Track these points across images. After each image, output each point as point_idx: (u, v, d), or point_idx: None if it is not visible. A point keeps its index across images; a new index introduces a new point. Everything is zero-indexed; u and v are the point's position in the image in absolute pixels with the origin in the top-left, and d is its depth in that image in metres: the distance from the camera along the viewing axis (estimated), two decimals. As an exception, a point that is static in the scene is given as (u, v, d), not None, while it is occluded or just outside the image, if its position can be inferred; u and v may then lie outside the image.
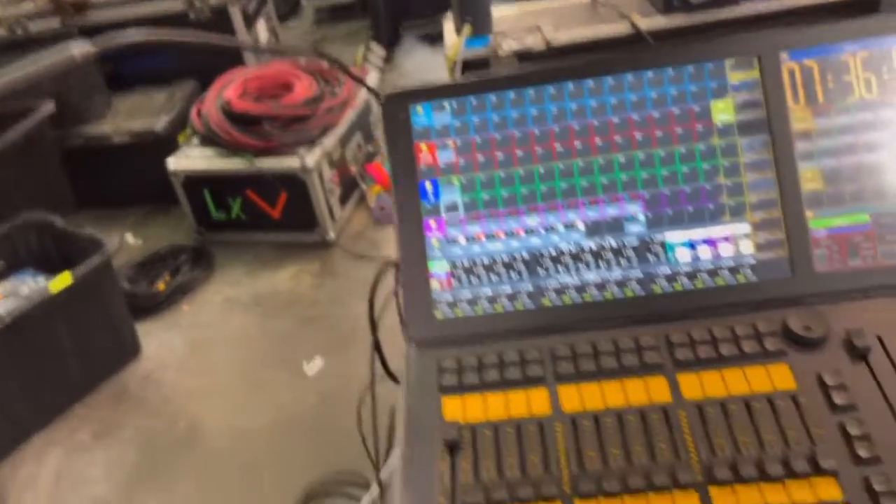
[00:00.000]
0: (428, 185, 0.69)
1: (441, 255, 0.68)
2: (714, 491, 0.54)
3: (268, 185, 2.30)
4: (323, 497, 1.54)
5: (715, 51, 0.68)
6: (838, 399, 0.57)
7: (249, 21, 3.02)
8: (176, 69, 2.90)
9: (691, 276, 0.67)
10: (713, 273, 0.66)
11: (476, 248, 0.68)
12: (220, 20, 2.87)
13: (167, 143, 2.58)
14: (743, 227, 0.67)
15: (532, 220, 0.68)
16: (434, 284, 0.68)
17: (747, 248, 0.66)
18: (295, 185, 2.26)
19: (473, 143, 0.69)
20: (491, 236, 0.68)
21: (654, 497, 0.54)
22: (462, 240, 0.69)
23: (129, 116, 2.77)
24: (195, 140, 2.46)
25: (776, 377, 0.60)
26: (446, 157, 0.69)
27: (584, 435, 0.59)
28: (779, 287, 0.66)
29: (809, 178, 0.66)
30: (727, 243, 0.67)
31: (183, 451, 1.75)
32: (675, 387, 0.61)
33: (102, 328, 1.99)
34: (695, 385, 0.61)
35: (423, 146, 0.69)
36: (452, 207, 0.69)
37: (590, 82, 0.68)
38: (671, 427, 0.58)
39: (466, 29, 1.25)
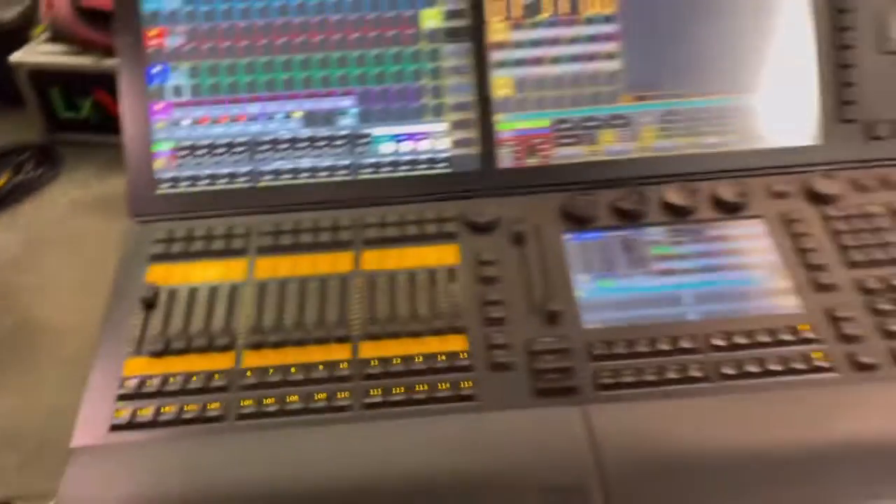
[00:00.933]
0: (155, 69, 0.73)
1: (165, 135, 0.73)
2: (364, 344, 0.63)
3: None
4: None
5: (427, -39, 0.74)
6: (486, 272, 0.67)
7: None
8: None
9: (393, 166, 0.74)
10: (412, 164, 0.74)
11: (199, 131, 0.74)
12: None
13: (18, 37, 2.47)
14: (441, 126, 0.74)
15: (253, 108, 0.74)
16: (157, 163, 0.73)
17: (444, 144, 0.74)
18: (145, 87, 2.22)
19: (201, 30, 0.73)
20: (214, 120, 0.74)
21: (313, 348, 0.63)
22: (186, 122, 0.74)
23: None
24: (46, 36, 2.37)
25: (445, 255, 0.69)
26: (174, 42, 0.73)
27: (268, 298, 0.66)
28: (468, 180, 0.74)
29: (501, 85, 0.74)
30: (427, 139, 0.74)
31: (5, 345, 1.75)
32: (358, 260, 0.69)
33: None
34: (376, 259, 0.69)
35: (152, 30, 0.73)
36: (178, 92, 0.73)
37: (313, -19, 0.73)
38: (345, 292, 0.66)
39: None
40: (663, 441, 0.56)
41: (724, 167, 0.74)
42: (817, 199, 0.71)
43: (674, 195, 0.72)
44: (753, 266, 0.67)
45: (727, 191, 0.72)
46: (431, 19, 0.74)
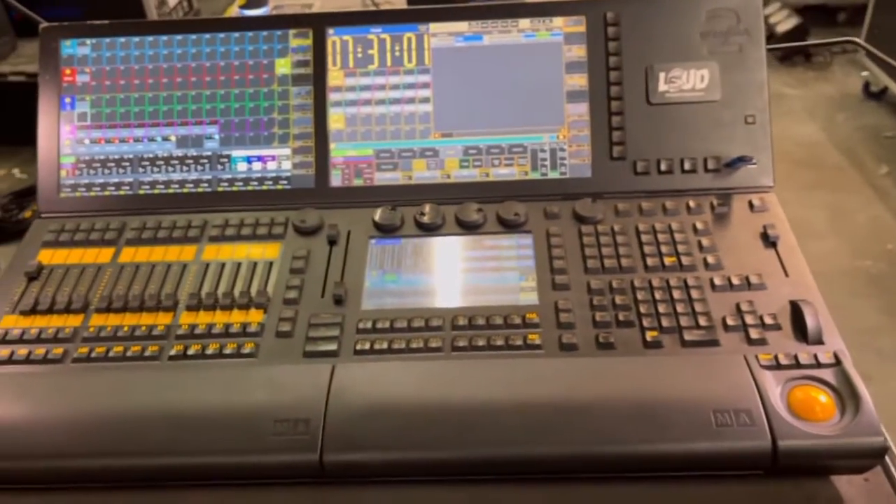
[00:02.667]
0: (67, 99, 0.94)
1: (70, 151, 0.93)
2: (185, 313, 0.80)
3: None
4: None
5: (281, 22, 0.93)
6: (296, 265, 0.83)
7: (159, -15, 3.24)
8: (84, 20, 3.10)
9: (245, 181, 0.92)
10: (261, 180, 0.92)
11: (96, 149, 0.93)
12: (127, -20, 3.09)
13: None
14: (286, 151, 0.92)
15: (139, 132, 0.93)
16: (62, 173, 0.93)
17: (287, 165, 0.92)
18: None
19: (104, 71, 0.94)
20: (108, 141, 0.93)
21: (145, 314, 0.80)
22: (87, 141, 0.93)
23: (30, 60, 2.97)
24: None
25: (269, 251, 0.86)
26: (83, 79, 0.94)
27: (123, 276, 0.84)
28: (305, 194, 0.91)
29: (336, 120, 0.92)
30: (274, 161, 0.92)
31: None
32: (200, 252, 0.86)
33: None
34: (214, 252, 0.86)
35: (67, 70, 0.94)
36: (83, 118, 0.94)
37: (193, 36, 0.93)
38: (183, 275, 0.84)
39: (239, 0, 1.49)
40: (381, 391, 0.70)
41: (512, 193, 0.89)
42: (581, 219, 0.86)
43: (466, 213, 0.87)
44: (512, 269, 0.82)
45: (508, 211, 0.87)
46: (283, 67, 0.93)
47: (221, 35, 0.93)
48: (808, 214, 2.61)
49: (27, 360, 0.76)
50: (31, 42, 3.08)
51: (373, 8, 1.48)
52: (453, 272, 0.83)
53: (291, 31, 0.93)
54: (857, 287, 2.29)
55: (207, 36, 0.93)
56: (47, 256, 0.87)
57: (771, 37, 3.62)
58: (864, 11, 3.15)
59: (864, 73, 3.33)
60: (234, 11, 1.47)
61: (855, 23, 3.32)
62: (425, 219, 0.87)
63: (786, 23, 3.66)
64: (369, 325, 0.77)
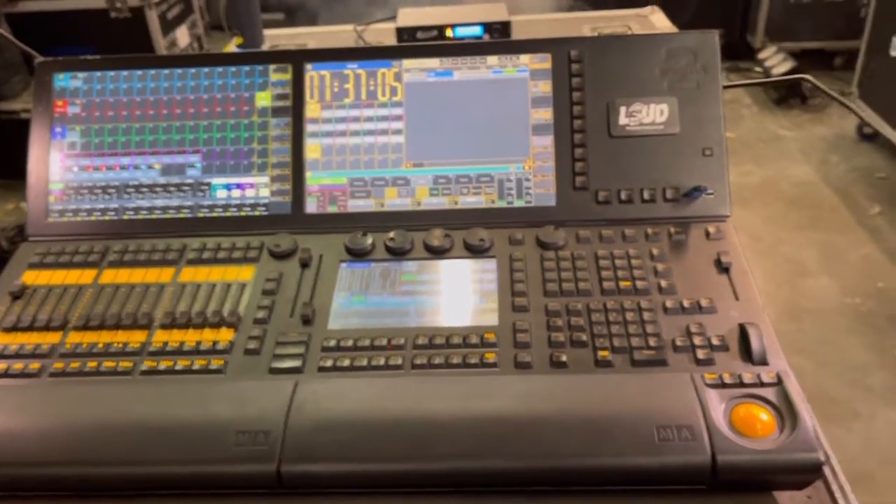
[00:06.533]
0: (58, 129, 0.99)
1: (59, 178, 0.98)
2: (158, 331, 0.83)
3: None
4: None
5: (262, 58, 0.98)
6: (268, 287, 0.87)
7: (168, 26, 3.34)
8: (97, 61, 3.20)
9: (225, 207, 0.96)
10: (239, 207, 0.96)
11: (84, 175, 0.98)
12: (137, 21, 3.19)
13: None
14: (264, 179, 0.96)
15: (124, 160, 0.98)
16: (51, 198, 0.97)
17: (265, 192, 0.96)
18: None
19: (94, 103, 0.99)
20: (95, 168, 0.98)
21: (120, 332, 0.83)
22: (75, 169, 0.98)
23: (41, 98, 3.06)
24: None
25: (243, 273, 0.89)
26: (73, 110, 0.99)
27: (102, 297, 0.87)
28: (281, 220, 0.95)
29: (312, 150, 0.96)
30: (252, 188, 0.96)
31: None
32: (177, 274, 0.90)
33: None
34: (190, 274, 0.90)
35: (59, 101, 0.99)
36: (72, 147, 0.98)
37: (178, 70, 0.98)
38: (160, 296, 0.87)
39: (236, 39, 1.56)
40: (340, 405, 0.73)
41: (479, 220, 0.93)
42: (544, 245, 0.89)
43: (433, 238, 0.91)
44: (475, 292, 0.85)
45: (474, 236, 0.90)
46: (263, 99, 0.98)
47: (205, 69, 0.98)
48: (801, 253, 2.64)
49: (5, 374, 0.79)
50: (43, 80, 3.19)
51: (361, 45, 1.54)
52: (418, 294, 0.86)
53: (272, 66, 0.98)
54: (847, 324, 2.30)
55: (192, 70, 0.98)
56: (31, 277, 0.91)
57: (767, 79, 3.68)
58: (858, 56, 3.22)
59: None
60: (230, 51, 1.53)
61: (851, 67, 3.39)
62: (394, 244, 0.91)
63: (781, 66, 3.74)
64: (333, 343, 0.80)
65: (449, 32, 1.58)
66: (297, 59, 0.98)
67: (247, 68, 0.98)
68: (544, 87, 0.96)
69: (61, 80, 1.00)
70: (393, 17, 1.70)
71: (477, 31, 1.59)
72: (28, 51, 1.15)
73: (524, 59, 0.96)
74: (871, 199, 2.93)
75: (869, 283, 2.46)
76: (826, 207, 2.94)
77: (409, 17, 1.63)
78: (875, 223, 2.79)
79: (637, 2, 1.85)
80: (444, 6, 1.69)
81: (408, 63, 0.97)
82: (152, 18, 3.23)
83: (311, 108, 0.97)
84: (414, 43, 0.93)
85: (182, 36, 3.50)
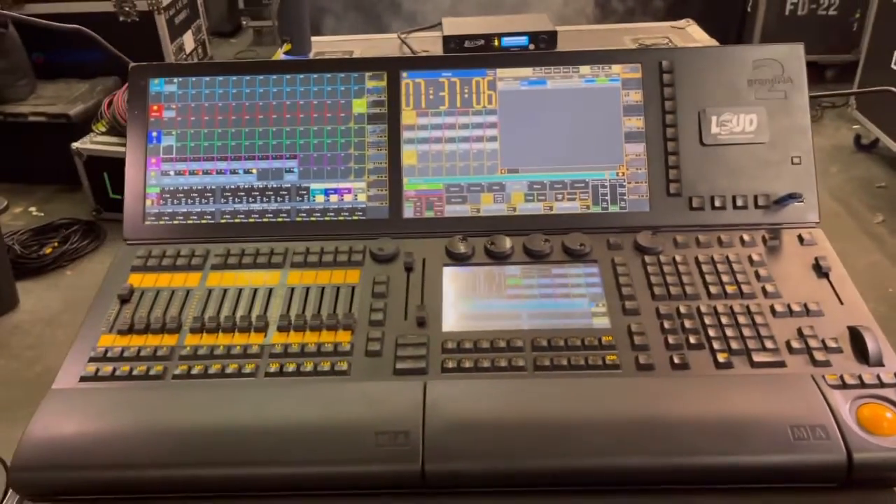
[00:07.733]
0: (154, 133, 0.99)
1: (155, 182, 0.98)
2: (276, 334, 0.84)
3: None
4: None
5: (358, 65, 1.00)
6: (378, 290, 0.88)
7: (176, 31, 3.33)
8: (104, 65, 3.18)
9: (323, 212, 0.97)
10: (337, 212, 0.97)
11: (180, 180, 0.98)
12: (146, 25, 3.18)
13: (80, 129, 2.85)
14: (361, 184, 0.98)
15: (221, 165, 0.99)
16: (147, 202, 0.98)
17: (362, 197, 0.98)
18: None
19: (189, 108, 1.00)
20: (192, 172, 0.99)
21: (237, 335, 0.84)
22: (171, 173, 0.99)
23: (49, 102, 3.03)
24: (105, 129, 2.74)
25: (350, 277, 0.91)
26: (169, 115, 0.99)
27: (211, 299, 0.88)
28: (379, 225, 0.97)
29: (408, 156, 0.98)
30: (350, 193, 0.98)
31: (25, 388, 1.99)
32: (283, 277, 0.91)
33: (-20, 279, 2.24)
34: (297, 277, 0.91)
35: (155, 106, 1.00)
36: (168, 151, 0.99)
37: (273, 76, 1.00)
38: (269, 298, 0.88)
39: (285, 46, 1.57)
40: (473, 406, 0.75)
41: (574, 225, 0.95)
42: (642, 250, 0.92)
43: (532, 243, 0.93)
44: (582, 296, 0.87)
45: (573, 241, 0.93)
46: (360, 106, 0.99)
47: (301, 76, 1.00)
48: (809, 260, 2.69)
49: (130, 377, 0.80)
50: (51, 84, 3.15)
51: (423, 53, 1.56)
52: (526, 298, 0.88)
53: (367, 74, 1.00)
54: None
55: (288, 76, 1.00)
56: (137, 280, 0.91)
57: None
58: (850, 69, 3.30)
59: (856, 127, 3.47)
60: (279, 58, 1.54)
61: (842, 80, 3.47)
62: (495, 248, 0.93)
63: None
64: (454, 345, 0.81)
65: (496, 42, 1.60)
66: (392, 66, 1.00)
67: (342, 75, 1.00)
68: (635, 96, 0.98)
69: (156, 84, 1.00)
70: (436, 26, 1.73)
71: (523, 41, 1.61)
72: (122, 57, 1.15)
73: (616, 68, 0.99)
74: (873, 209, 3.01)
75: (880, 288, 2.52)
76: (830, 216, 2.99)
77: (455, 26, 1.65)
78: (879, 231, 2.87)
79: (642, 12, 1.86)
80: (488, 17, 1.72)
81: (502, 72, 1.00)
82: (161, 23, 3.22)
83: (407, 116, 0.99)
84: (507, 52, 0.95)
85: (188, 41, 3.49)
